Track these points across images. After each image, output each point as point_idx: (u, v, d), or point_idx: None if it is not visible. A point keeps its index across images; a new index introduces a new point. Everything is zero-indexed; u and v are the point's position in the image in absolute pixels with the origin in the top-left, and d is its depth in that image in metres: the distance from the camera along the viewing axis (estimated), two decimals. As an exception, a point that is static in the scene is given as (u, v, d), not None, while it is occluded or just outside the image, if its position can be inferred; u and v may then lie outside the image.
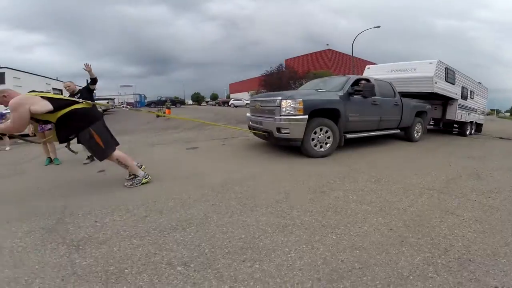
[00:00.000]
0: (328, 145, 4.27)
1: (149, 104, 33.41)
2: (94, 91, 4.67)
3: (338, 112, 4.29)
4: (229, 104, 35.04)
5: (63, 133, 2.98)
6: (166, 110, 14.63)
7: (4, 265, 1.61)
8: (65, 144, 4.05)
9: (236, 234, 1.90)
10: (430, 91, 6.58)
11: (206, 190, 2.84)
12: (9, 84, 20.81)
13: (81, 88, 4.54)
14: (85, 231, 2.01)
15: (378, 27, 18.12)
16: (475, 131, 9.80)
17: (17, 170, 4.23)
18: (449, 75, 7.04)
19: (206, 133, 8.24)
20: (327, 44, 26.69)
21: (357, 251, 1.67)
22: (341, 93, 4.44)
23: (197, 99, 64.01)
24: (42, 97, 2.77)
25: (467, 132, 8.79)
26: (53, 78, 28.28)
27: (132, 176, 3.20)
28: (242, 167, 3.79)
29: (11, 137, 7.12)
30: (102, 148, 2.96)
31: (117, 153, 3.05)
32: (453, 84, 7.31)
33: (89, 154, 4.40)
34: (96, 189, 3.04)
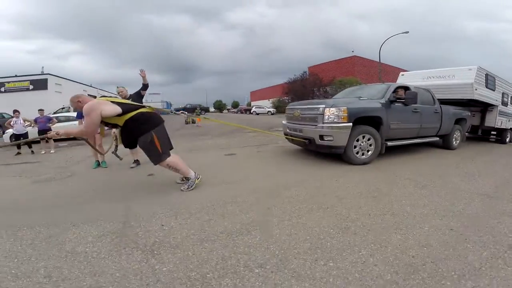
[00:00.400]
0: (369, 152, 4.38)
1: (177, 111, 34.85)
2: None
3: (380, 119, 4.40)
4: (251, 111, 35.62)
5: (129, 136, 3.16)
6: (197, 118, 15.19)
7: (83, 273, 1.60)
8: (112, 150, 4.29)
9: (300, 236, 2.02)
10: (469, 98, 6.46)
11: (258, 194, 2.99)
12: (51, 89, 22.73)
13: (131, 94, 4.72)
14: (155, 235, 2.08)
15: (407, 32, 17.69)
16: (516, 139, 9.33)
17: (67, 172, 4.49)
18: (489, 81, 6.87)
19: (236, 140, 8.47)
20: (352, 51, 26.39)
21: (425, 248, 1.82)
22: (383, 101, 4.55)
23: (219, 106, 65.75)
24: (111, 101, 2.96)
25: (507, 140, 8.42)
26: (88, 85, 30.50)
27: (185, 180, 3.34)
28: (286, 173, 3.97)
29: (56, 140, 7.75)
30: (159, 152, 3.04)
31: (169, 159, 3.12)
32: (493, 90, 7.11)
33: (136, 158, 4.67)
34: (151, 192, 3.19)
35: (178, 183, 3.45)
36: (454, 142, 6.32)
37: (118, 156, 4.45)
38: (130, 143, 3.82)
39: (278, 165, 4.58)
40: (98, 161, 4.81)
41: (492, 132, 8.56)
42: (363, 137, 4.26)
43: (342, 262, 1.69)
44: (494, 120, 7.55)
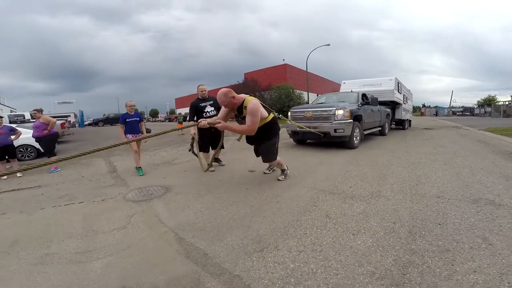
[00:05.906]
0: (358, 138, 6.43)
1: (97, 123, 31.89)
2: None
3: (361, 117, 6.52)
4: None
5: (261, 137, 3.26)
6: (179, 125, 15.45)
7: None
8: (191, 149, 4.40)
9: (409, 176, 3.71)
10: (391, 100, 9.56)
11: (344, 172, 4.31)
12: None
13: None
14: (360, 191, 3.13)
15: (328, 45, 21.34)
16: (409, 125, 13.62)
17: (157, 189, 3.73)
18: (399, 87, 10.24)
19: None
20: (284, 59, 30.28)
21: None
22: (359, 103, 6.71)
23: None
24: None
25: (406, 127, 12.36)
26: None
27: (272, 168, 4.04)
28: (330, 160, 5.33)
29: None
30: (276, 153, 3.47)
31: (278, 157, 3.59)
32: (400, 94, 10.58)
33: (210, 162, 4.38)
34: (287, 186, 3.50)
35: (265, 173, 4.10)
36: (386, 131, 9.27)
37: (195, 154, 4.48)
38: (212, 144, 4.36)
39: (308, 157, 5.52)
40: (140, 167, 4.76)
41: (393, 122, 12.27)
42: (355, 129, 6.26)
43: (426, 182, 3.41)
44: (400, 114, 11.13)
